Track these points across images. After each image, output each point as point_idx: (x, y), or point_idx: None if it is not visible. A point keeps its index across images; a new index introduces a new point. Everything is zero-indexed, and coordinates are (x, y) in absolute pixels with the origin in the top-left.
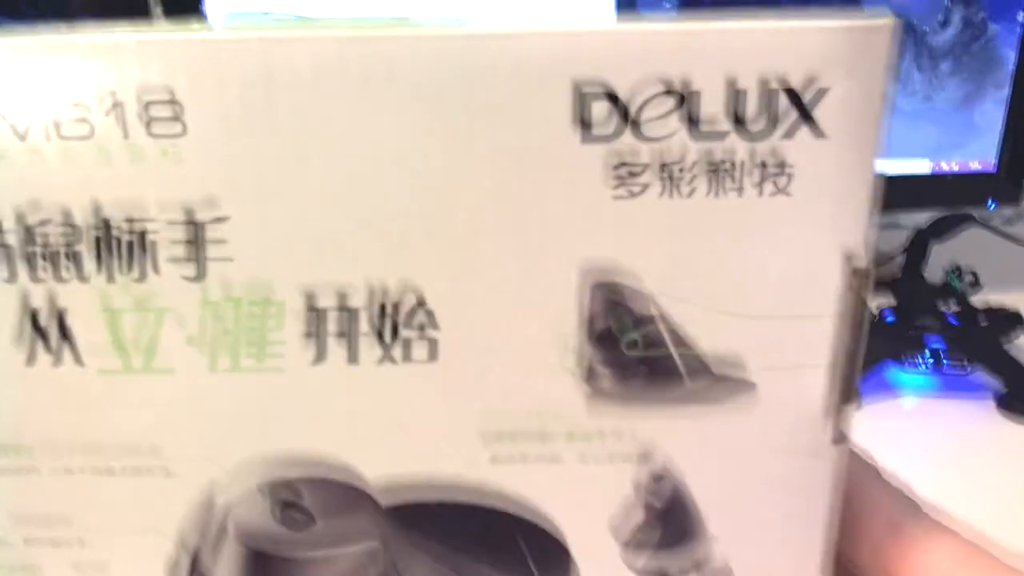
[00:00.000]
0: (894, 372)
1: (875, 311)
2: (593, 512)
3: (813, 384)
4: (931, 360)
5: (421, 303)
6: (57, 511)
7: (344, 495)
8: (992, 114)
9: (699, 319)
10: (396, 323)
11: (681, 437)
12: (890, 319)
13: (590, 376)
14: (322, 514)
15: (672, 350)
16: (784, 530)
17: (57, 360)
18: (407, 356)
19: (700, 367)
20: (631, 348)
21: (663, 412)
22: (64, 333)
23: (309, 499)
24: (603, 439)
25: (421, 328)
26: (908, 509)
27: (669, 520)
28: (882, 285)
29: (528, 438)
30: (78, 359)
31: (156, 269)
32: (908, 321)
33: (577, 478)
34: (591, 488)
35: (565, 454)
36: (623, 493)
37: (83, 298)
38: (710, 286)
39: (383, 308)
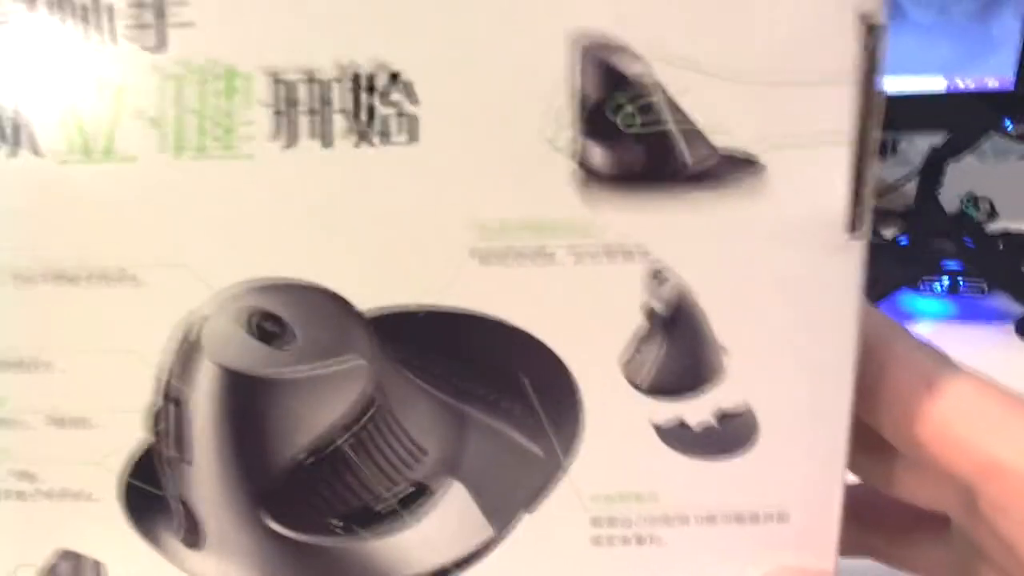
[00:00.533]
0: (910, 298)
1: (890, 236)
2: (590, 320)
3: (829, 164)
4: (948, 284)
5: (395, 77)
6: (17, 331)
7: (325, 304)
8: (1011, 26)
9: (701, 87)
10: (372, 101)
11: (683, 229)
12: (905, 243)
13: (584, 156)
14: (302, 327)
15: (671, 125)
16: (805, 355)
17: (13, 150)
18: (385, 137)
19: (702, 144)
20: (627, 123)
21: (663, 200)
22: (18, 120)
23: (287, 311)
24: (599, 232)
25: (398, 105)
26: (943, 362)
27: (674, 332)
28: (895, 215)
29: (518, 231)
30: (35, 149)
31: (114, 39)
32: (924, 245)
33: (572, 279)
34: (587, 292)
35: (558, 251)
36: (622, 296)
37: None
38: (712, 48)
39: (356, 81)
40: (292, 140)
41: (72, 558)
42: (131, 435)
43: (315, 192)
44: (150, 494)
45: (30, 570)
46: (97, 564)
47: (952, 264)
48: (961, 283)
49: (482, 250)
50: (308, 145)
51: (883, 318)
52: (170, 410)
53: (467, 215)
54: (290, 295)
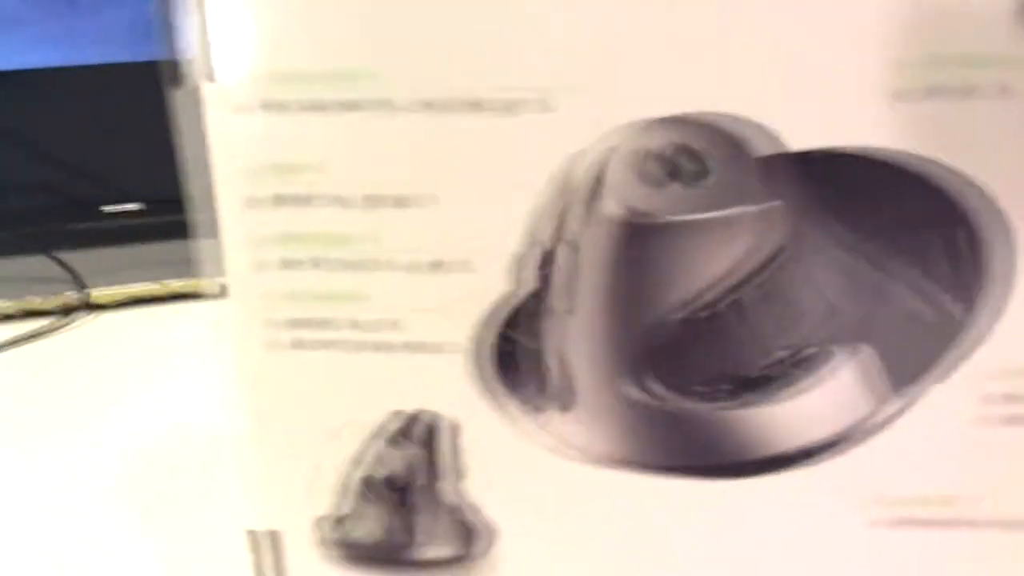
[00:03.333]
0: None
1: None
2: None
3: None
4: None
5: None
6: (404, 163)
7: (744, 141)
8: None
9: None
10: None
11: None
12: None
13: None
14: (718, 163)
15: None
16: None
17: None
18: None
19: None
20: None
21: None
22: None
23: (704, 146)
24: None
25: None
26: None
27: None
28: None
29: (945, 67)
30: None
31: None
32: None
33: (999, 114)
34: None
35: (988, 86)
36: None
37: None
38: None
39: None
40: None
41: (425, 417)
42: (512, 281)
43: (732, 27)
44: (519, 349)
45: (371, 428)
46: (453, 425)
47: None
48: None
49: (901, 87)
50: None
51: None
52: (561, 254)
53: (888, 52)
54: (709, 130)
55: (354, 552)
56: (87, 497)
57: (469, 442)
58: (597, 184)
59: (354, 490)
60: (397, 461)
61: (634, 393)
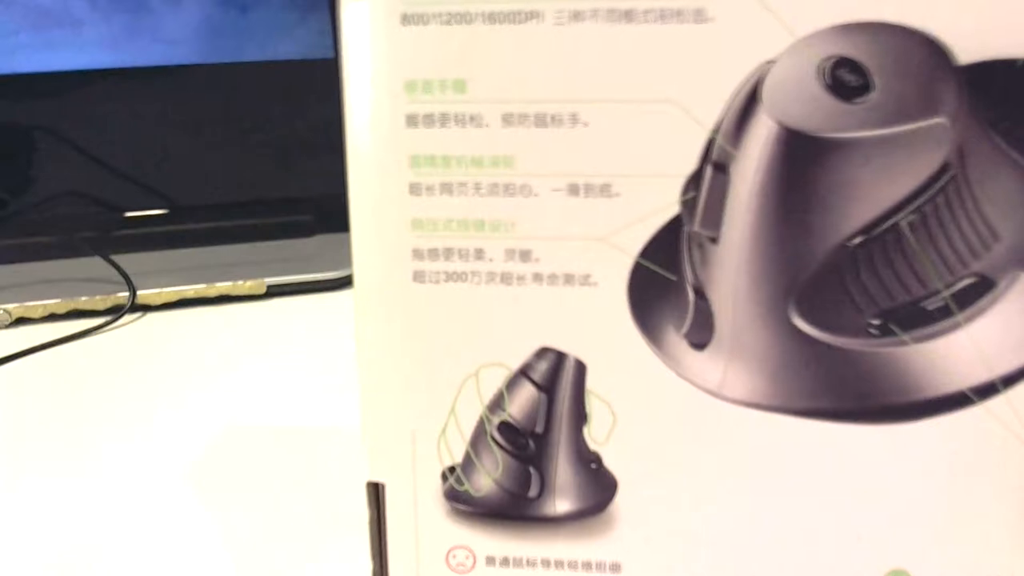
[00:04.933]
0: None
1: None
2: None
3: None
4: None
5: None
6: (542, 78)
7: (914, 52)
8: None
9: None
10: None
11: None
12: None
13: None
14: (884, 77)
15: None
16: None
17: None
18: None
19: None
20: None
21: None
22: None
23: (869, 58)
24: None
25: None
26: None
27: None
28: None
29: None
30: None
31: None
32: None
33: None
34: None
35: None
36: None
37: None
38: None
39: None
40: None
41: (552, 357)
42: (656, 206)
43: None
44: (659, 280)
45: (499, 371)
46: (579, 365)
47: None
48: None
49: None
50: None
51: None
52: (708, 176)
53: None
54: (876, 40)
55: (470, 506)
56: (143, 493)
57: (595, 384)
58: (751, 101)
59: (472, 438)
60: (517, 406)
61: (779, 330)
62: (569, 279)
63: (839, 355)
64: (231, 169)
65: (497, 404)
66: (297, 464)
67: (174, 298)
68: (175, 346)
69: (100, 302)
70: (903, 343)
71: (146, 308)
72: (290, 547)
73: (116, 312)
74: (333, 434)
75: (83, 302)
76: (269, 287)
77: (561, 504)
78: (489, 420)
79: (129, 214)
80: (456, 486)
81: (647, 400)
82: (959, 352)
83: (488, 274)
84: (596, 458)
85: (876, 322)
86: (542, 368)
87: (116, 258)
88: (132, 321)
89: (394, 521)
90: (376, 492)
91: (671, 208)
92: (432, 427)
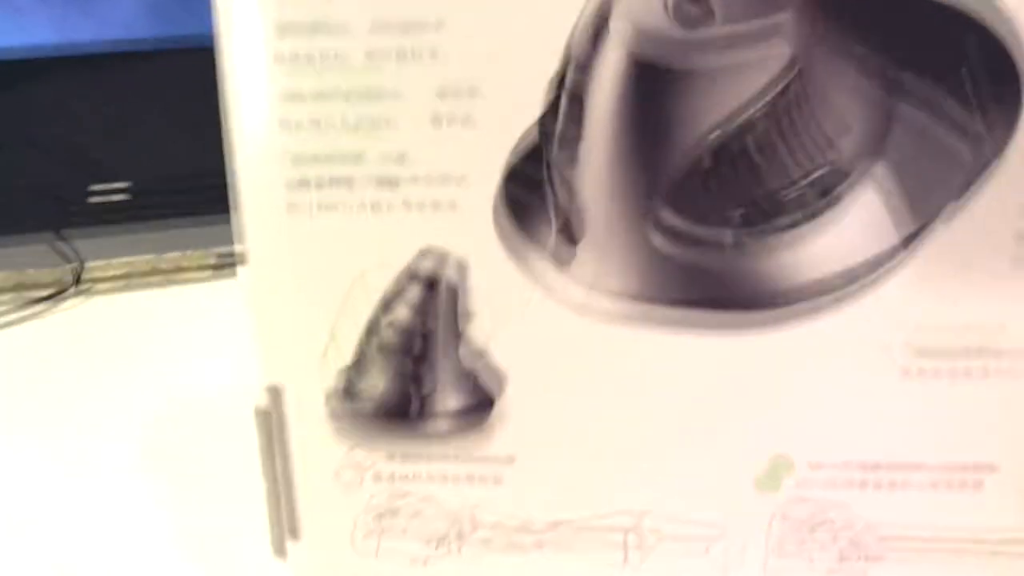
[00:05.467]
0: None
1: None
2: None
3: None
4: None
5: None
6: None
7: None
8: None
9: None
10: None
11: None
12: None
13: None
14: (724, 7)
15: None
16: None
17: None
18: None
19: None
20: None
21: None
22: None
23: None
24: None
25: None
26: None
27: None
28: None
29: None
30: None
31: None
32: None
33: None
34: None
35: None
36: None
37: None
38: None
39: None
40: None
41: (435, 257)
42: (523, 112)
43: None
44: (530, 186)
45: (385, 272)
46: (460, 264)
47: None
48: None
49: None
50: None
51: None
52: (564, 106)
53: None
54: None
55: (361, 409)
56: (107, 462)
57: (476, 283)
58: (600, 31)
59: (360, 342)
60: (402, 307)
61: (649, 231)
62: (448, 184)
63: (702, 253)
64: (184, 145)
65: (384, 305)
66: (239, 438)
67: (123, 270)
68: (122, 324)
69: (47, 274)
70: (763, 237)
71: (94, 282)
72: (244, 510)
73: (64, 287)
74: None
75: (30, 275)
76: (219, 256)
77: (452, 400)
78: (377, 321)
79: (87, 189)
80: (347, 389)
81: (520, 314)
82: (816, 245)
83: (367, 184)
84: (483, 354)
85: (738, 216)
86: (426, 267)
87: (67, 234)
88: (79, 299)
89: (286, 433)
90: (266, 417)
91: (537, 109)
92: (321, 332)
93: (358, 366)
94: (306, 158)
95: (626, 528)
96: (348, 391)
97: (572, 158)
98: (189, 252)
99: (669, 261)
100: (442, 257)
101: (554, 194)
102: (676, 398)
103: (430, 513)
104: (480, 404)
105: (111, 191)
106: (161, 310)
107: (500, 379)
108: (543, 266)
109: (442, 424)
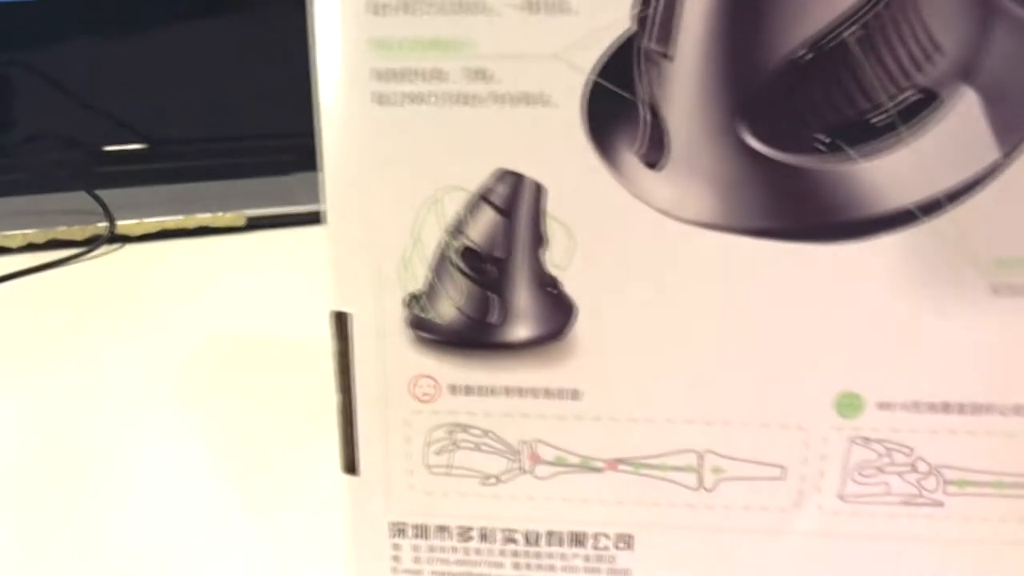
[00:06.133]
0: None
1: None
2: None
3: None
4: None
5: None
6: None
7: None
8: None
9: None
10: None
11: None
12: None
13: None
14: None
15: None
16: None
17: None
18: None
19: None
20: None
21: None
22: None
23: None
24: None
25: None
26: None
27: None
28: None
29: None
30: None
31: None
32: None
33: None
34: None
35: None
36: None
37: None
38: None
39: None
40: None
41: (510, 180)
42: (611, 23)
43: None
44: (615, 99)
45: (459, 194)
46: (537, 187)
47: None
48: None
49: None
50: None
51: None
52: None
53: None
54: None
55: (433, 333)
56: (126, 399)
57: (553, 207)
58: None
59: (434, 264)
60: (477, 230)
61: (730, 147)
62: (527, 98)
63: (788, 172)
64: (212, 106)
65: (458, 229)
66: (275, 371)
67: (154, 229)
68: (154, 273)
69: (79, 231)
70: (850, 159)
71: (125, 239)
72: (271, 443)
73: (95, 243)
74: (310, 345)
75: (62, 231)
76: (249, 219)
77: (522, 329)
78: (450, 245)
79: (110, 148)
80: (419, 313)
81: (604, 222)
82: (905, 168)
83: (446, 94)
84: (555, 282)
85: (824, 138)
86: (501, 191)
87: (98, 192)
88: (111, 252)
89: (360, 351)
90: (341, 323)
91: (625, 23)
92: (394, 254)
93: (432, 287)
94: (393, 44)
95: (699, 453)
96: (418, 315)
97: (663, 55)
98: (220, 214)
99: (750, 184)
100: (518, 180)
101: (637, 100)
102: (754, 315)
103: (491, 447)
104: (549, 335)
105: (138, 152)
106: (193, 259)
107: (570, 310)
108: (633, 165)
109: (510, 355)
